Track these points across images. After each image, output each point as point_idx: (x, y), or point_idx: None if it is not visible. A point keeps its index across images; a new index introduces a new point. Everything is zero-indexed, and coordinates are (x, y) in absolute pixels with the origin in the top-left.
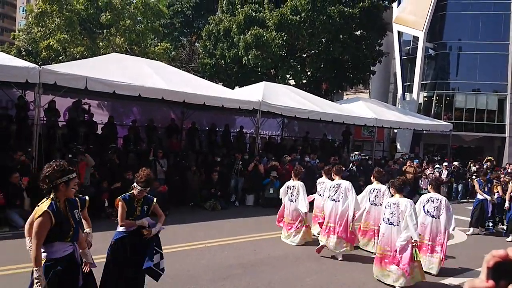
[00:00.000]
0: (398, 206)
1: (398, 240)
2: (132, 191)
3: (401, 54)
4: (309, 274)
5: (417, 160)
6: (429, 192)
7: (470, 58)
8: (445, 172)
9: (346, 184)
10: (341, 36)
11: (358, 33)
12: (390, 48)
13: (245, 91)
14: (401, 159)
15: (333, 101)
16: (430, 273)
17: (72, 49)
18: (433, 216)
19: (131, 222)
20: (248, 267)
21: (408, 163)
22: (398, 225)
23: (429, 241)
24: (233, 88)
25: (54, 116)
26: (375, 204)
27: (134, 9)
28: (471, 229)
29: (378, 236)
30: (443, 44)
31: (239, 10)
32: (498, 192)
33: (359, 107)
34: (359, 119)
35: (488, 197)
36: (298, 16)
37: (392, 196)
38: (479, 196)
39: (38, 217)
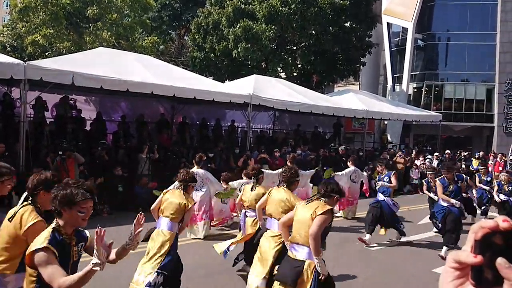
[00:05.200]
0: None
1: None
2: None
3: (390, 45)
4: None
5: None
6: (350, 166)
7: (458, 48)
8: (435, 162)
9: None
10: (331, 28)
11: (347, 24)
12: (379, 39)
13: (235, 84)
14: (392, 150)
15: (323, 94)
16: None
17: (58, 44)
18: (355, 182)
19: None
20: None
21: (398, 154)
22: None
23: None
24: (223, 82)
25: (42, 110)
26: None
27: (121, 2)
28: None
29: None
30: (432, 35)
31: (228, 2)
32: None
33: (350, 99)
34: (350, 111)
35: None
36: (288, 7)
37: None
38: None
39: None
